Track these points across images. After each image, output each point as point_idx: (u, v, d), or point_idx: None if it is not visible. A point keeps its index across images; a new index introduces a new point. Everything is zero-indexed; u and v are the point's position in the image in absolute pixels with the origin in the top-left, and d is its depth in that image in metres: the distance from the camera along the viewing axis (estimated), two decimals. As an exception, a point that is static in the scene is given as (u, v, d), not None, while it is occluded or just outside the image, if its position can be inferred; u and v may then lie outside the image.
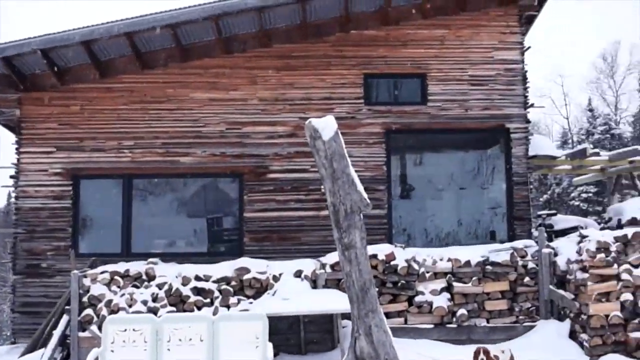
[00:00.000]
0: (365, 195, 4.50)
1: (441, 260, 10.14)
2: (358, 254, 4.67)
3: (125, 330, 7.20)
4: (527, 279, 10.04)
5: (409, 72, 12.18)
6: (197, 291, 9.73)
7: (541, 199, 43.52)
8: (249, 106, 11.90)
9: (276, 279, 9.77)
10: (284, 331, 9.44)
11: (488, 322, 9.94)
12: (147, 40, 11.56)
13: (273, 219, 11.61)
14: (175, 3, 11.52)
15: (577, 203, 42.25)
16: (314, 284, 9.81)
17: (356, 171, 11.16)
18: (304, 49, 12.08)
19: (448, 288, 9.99)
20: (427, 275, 9.99)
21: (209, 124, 11.82)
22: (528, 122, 12.23)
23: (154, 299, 9.63)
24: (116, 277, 9.86)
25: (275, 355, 8.33)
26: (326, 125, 4.39)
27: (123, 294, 9.68)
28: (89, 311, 9.60)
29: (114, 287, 9.79)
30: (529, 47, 12.56)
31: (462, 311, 9.83)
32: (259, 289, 9.74)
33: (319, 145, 4.40)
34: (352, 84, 12.01)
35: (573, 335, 9.38)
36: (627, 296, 8.88)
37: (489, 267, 9.99)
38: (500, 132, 12.15)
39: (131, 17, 11.01)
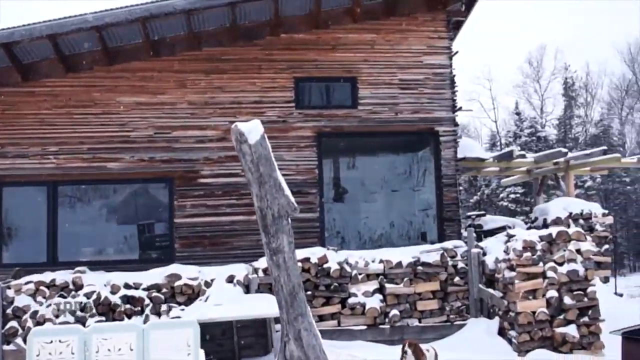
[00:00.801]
0: (292, 199, 4.46)
1: (373, 262, 10.23)
2: (286, 258, 4.64)
3: (52, 342, 6.90)
4: (457, 278, 10.24)
5: (340, 75, 12.24)
6: (127, 299, 9.53)
7: (471, 200, 44.52)
8: (178, 110, 11.70)
9: (208, 284, 9.65)
10: (217, 337, 9.32)
11: (420, 321, 10.10)
12: (72, 42, 11.23)
13: (204, 224, 11.46)
14: (109, 3, 11.20)
15: (505, 204, 43.41)
16: (247, 289, 9.74)
17: (287, 175, 11.23)
18: (234, 52, 11.96)
19: (380, 289, 10.09)
20: (360, 277, 10.05)
21: (137, 129, 11.57)
22: (456, 125, 12.47)
23: (82, 309, 9.36)
24: (42, 288, 9.56)
25: (208, 362, 8.23)
26: (252, 129, 4.34)
27: (49, 305, 9.38)
28: (13, 323, 9.27)
29: (39, 298, 9.49)
30: (456, 52, 12.81)
31: (394, 312, 9.94)
32: (191, 295, 9.61)
33: (245, 149, 4.34)
34: (282, 87, 11.98)
35: (502, 332, 9.60)
36: (553, 293, 9.15)
37: (420, 268, 10.13)
38: (429, 135, 12.32)
39: (54, 19, 10.66)
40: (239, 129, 4.32)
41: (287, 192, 4.42)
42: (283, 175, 11.20)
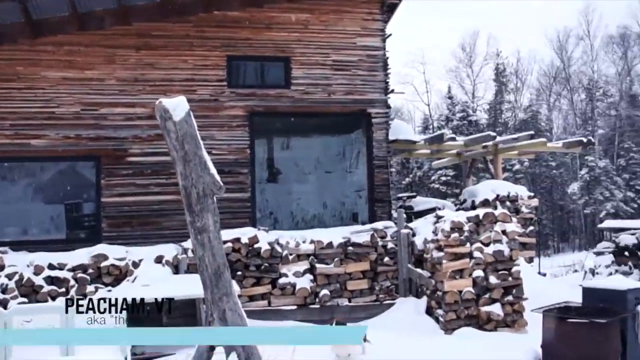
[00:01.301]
0: (218, 177, 4.40)
1: (304, 242, 10.28)
2: (211, 237, 4.57)
3: (-30, 325, 6.66)
4: (386, 258, 10.38)
5: (273, 55, 12.10)
6: (51, 280, 9.28)
7: (403, 182, 45.25)
8: (106, 86, 11.34)
9: (136, 265, 9.50)
10: (145, 318, 9.16)
11: (350, 301, 10.21)
12: (-8, 13, 10.74)
13: (132, 203, 11.20)
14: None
15: (437, 186, 44.29)
16: (176, 270, 9.63)
17: (219, 154, 11.13)
18: (165, 28, 11.66)
19: (311, 269, 10.14)
20: (290, 257, 10.08)
21: (63, 105, 11.17)
22: (389, 107, 12.55)
23: (3, 290, 9.07)
24: (-40, 269, 9.20)
25: (136, 343, 8.09)
26: (177, 106, 4.23)
27: (-32, 286, 9.05)
28: None
29: (-43, 280, 9.13)
30: (390, 35, 12.86)
31: (324, 292, 10.01)
32: (118, 275, 9.43)
33: (170, 126, 4.24)
34: (215, 65, 11.77)
35: (430, 311, 9.80)
36: (479, 273, 9.38)
37: (350, 248, 10.22)
38: (362, 117, 12.37)
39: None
40: (163, 105, 4.20)
41: (213, 170, 4.35)
42: (214, 155, 11.11)
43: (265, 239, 10.03)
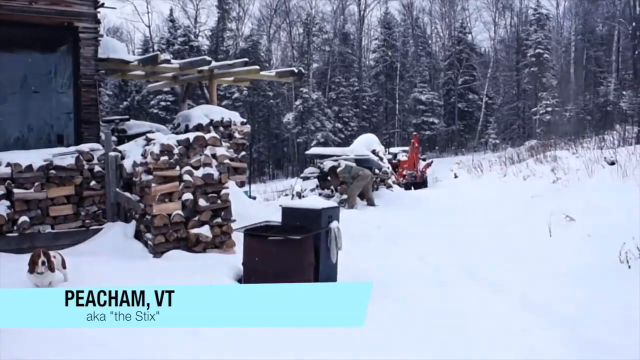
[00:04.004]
0: None
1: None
2: None
3: None
4: (93, 182, 9.98)
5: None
6: None
7: (121, 106, 43.73)
8: None
9: None
10: None
11: (53, 228, 9.70)
12: None
13: None
14: None
15: (156, 111, 43.57)
16: None
17: None
18: None
19: (8, 195, 9.37)
20: (-17, 183, 9.20)
21: None
22: (98, 22, 11.77)
23: None
24: None
25: None
26: None
27: None
28: None
29: None
30: (99, -57, 11.99)
31: (23, 219, 9.35)
32: None
33: None
34: None
35: (138, 235, 9.65)
36: (188, 196, 9.40)
37: (53, 172, 9.63)
38: (68, 31, 11.46)
39: None
40: None
41: None
42: None
43: (-49, 162, 8.99)
